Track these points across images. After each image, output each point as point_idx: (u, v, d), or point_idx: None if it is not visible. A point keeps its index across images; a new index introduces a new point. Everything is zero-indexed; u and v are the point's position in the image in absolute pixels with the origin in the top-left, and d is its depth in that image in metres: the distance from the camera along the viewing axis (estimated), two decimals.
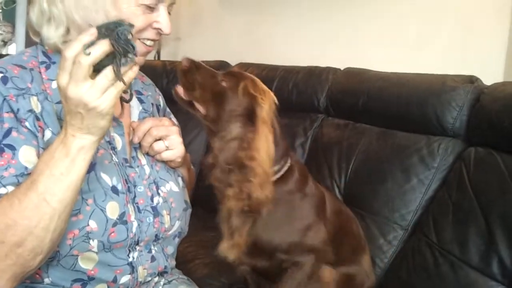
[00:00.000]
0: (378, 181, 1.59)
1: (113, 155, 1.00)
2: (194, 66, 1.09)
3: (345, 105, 1.87)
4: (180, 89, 1.10)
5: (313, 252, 1.13)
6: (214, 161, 1.05)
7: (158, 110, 1.21)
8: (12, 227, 0.79)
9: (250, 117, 1.05)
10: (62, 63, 0.76)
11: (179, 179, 1.13)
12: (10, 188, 0.85)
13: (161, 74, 2.49)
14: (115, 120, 1.01)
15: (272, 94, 1.11)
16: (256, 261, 1.14)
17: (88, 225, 0.91)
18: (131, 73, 0.77)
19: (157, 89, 1.25)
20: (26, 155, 0.88)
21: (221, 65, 2.44)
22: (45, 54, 0.98)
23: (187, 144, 1.27)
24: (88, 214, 0.91)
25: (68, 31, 0.95)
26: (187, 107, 1.11)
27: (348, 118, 1.86)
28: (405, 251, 1.46)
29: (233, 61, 2.47)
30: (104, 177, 0.96)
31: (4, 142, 0.87)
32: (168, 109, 1.27)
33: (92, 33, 0.75)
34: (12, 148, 0.87)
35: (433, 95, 1.57)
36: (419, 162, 1.55)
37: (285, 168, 1.13)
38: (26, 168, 0.87)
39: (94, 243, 0.91)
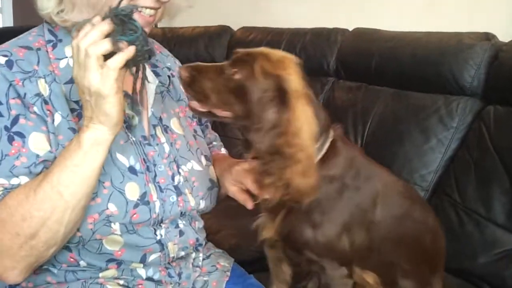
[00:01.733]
0: (396, 143, 1.59)
1: (129, 134, 0.96)
2: (195, 72, 0.96)
3: (357, 67, 1.85)
4: (194, 103, 0.96)
5: (345, 259, 0.99)
6: (256, 154, 0.94)
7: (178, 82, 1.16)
8: (28, 219, 0.79)
9: (282, 97, 0.91)
10: (74, 54, 0.77)
11: (202, 158, 1.09)
12: (23, 178, 0.83)
13: (162, 42, 2.43)
14: (129, 96, 0.95)
15: (292, 58, 0.99)
16: (286, 250, 1.06)
17: (107, 208, 0.89)
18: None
19: (176, 60, 1.19)
20: (36, 142, 0.86)
21: (223, 30, 2.39)
22: (51, 32, 0.94)
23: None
24: (107, 197, 0.89)
25: (61, 1, 0.90)
26: (209, 117, 1.00)
27: (360, 80, 1.85)
28: None
29: (235, 25, 2.41)
30: (120, 158, 0.93)
31: (13, 130, 0.84)
32: None
33: (108, 23, 0.74)
34: (21, 135, 0.85)
35: (449, 54, 1.55)
36: (437, 122, 1.55)
37: (326, 145, 0.96)
38: (37, 155, 0.85)
39: (116, 226, 0.90)
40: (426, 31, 1.70)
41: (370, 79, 1.80)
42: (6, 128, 0.84)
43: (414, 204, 1.04)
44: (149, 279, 0.98)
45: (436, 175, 1.52)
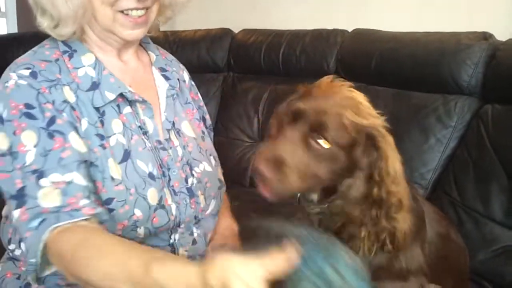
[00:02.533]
0: (396, 142, 1.59)
1: (146, 140, 0.98)
2: (274, 161, 0.78)
3: (357, 67, 1.87)
4: (267, 191, 0.79)
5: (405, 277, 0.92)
6: (342, 199, 0.85)
7: (184, 85, 1.17)
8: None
9: (373, 145, 0.84)
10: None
11: (211, 158, 1.11)
12: (76, 176, 0.84)
13: (164, 45, 2.45)
14: (144, 103, 1.00)
15: (362, 97, 0.90)
16: None
17: (134, 214, 0.91)
18: None
19: (181, 64, 1.22)
20: (75, 141, 0.87)
21: (224, 33, 2.41)
22: (64, 43, 0.96)
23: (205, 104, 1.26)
24: (133, 204, 0.92)
25: (51, 16, 0.92)
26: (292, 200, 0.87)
27: (360, 81, 1.85)
28: None
29: (235, 27, 2.43)
30: (141, 164, 0.95)
31: (51, 128, 0.86)
32: (193, 83, 1.23)
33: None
34: (61, 133, 0.86)
35: (448, 54, 1.57)
36: (436, 122, 1.56)
37: None
38: (79, 152, 0.87)
39: (141, 231, 0.92)
40: (425, 31, 1.72)
41: (370, 79, 1.81)
42: (43, 128, 0.86)
43: (448, 223, 1.05)
44: None
45: (435, 173, 1.54)
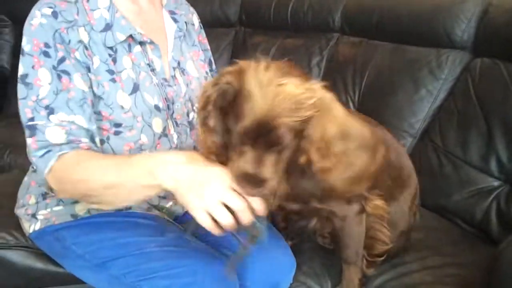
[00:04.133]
0: (389, 93, 1.70)
1: (153, 77, 1.10)
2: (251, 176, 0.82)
3: (359, 23, 1.94)
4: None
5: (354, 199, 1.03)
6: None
7: (193, 29, 1.28)
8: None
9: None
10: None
11: None
12: (79, 118, 0.98)
13: None
14: (152, 43, 1.11)
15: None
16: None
17: (140, 139, 1.06)
18: None
19: (191, 8, 1.31)
20: (78, 81, 1.00)
21: None
22: None
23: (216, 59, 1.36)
24: (140, 130, 1.06)
25: None
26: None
27: (362, 36, 1.94)
28: (414, 156, 1.59)
29: None
30: (147, 97, 1.08)
31: (60, 68, 0.99)
32: (203, 30, 1.33)
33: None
34: (67, 73, 0.99)
35: (442, 9, 1.63)
36: (428, 74, 1.64)
37: None
38: (83, 91, 1.00)
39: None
40: None
41: (371, 34, 1.89)
42: (54, 67, 0.99)
43: (381, 127, 1.18)
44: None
45: (424, 123, 1.63)
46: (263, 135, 0.78)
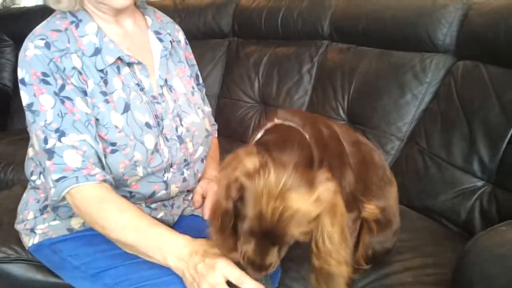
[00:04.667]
0: (376, 98, 1.75)
1: (142, 95, 1.15)
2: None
3: (347, 29, 1.99)
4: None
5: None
6: None
7: (178, 46, 1.33)
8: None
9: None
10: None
11: (199, 111, 1.28)
12: (87, 137, 1.05)
13: (172, 12, 2.59)
14: (140, 64, 1.17)
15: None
16: None
17: (134, 156, 1.11)
18: None
19: (176, 26, 1.36)
20: (81, 104, 1.07)
21: (229, 0, 2.54)
22: (71, 13, 1.13)
23: (204, 78, 1.39)
24: (133, 147, 1.11)
25: None
26: None
27: (351, 42, 1.98)
28: (401, 159, 1.64)
29: None
30: (138, 115, 1.13)
31: (62, 95, 1.06)
32: (188, 46, 1.38)
33: None
34: (70, 99, 1.06)
35: (425, 14, 1.68)
36: (413, 78, 1.69)
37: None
38: (86, 113, 1.07)
39: (140, 170, 1.12)
40: None
41: (359, 40, 1.94)
42: (55, 93, 1.05)
43: (353, 130, 1.23)
44: (148, 206, 1.20)
45: (411, 126, 1.67)
46: (269, 237, 0.82)
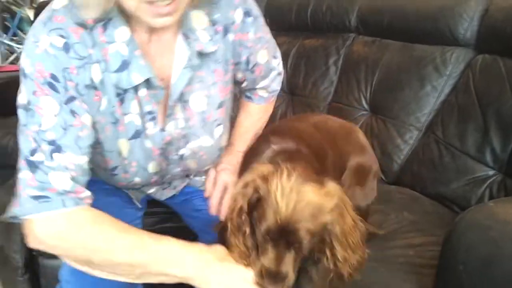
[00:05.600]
0: (397, 89, 1.81)
1: (154, 125, 1.02)
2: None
3: (372, 23, 2.05)
4: None
5: None
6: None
7: (228, 31, 1.04)
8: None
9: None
10: None
11: (216, 130, 1.11)
12: (85, 158, 0.91)
13: None
14: (162, 89, 0.98)
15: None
16: None
17: (133, 180, 1.09)
18: None
19: (235, 1, 1.04)
20: (88, 120, 0.92)
21: None
22: None
23: None
24: (134, 174, 1.06)
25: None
26: None
27: (376, 35, 2.05)
28: (418, 148, 1.71)
29: None
30: (147, 143, 1.03)
31: (70, 107, 0.89)
32: (251, 22, 1.07)
33: None
34: (77, 113, 0.90)
35: (446, 8, 1.73)
36: (433, 71, 1.74)
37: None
38: (91, 133, 0.94)
39: (138, 182, 1.12)
40: None
41: (383, 33, 2.00)
42: (64, 102, 0.88)
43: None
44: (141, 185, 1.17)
45: (429, 117, 1.73)
46: (285, 236, 0.85)
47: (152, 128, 1.01)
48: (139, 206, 1.25)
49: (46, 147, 0.86)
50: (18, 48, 4.78)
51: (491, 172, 1.45)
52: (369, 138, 1.84)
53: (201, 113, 1.06)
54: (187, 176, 1.26)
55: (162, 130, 1.03)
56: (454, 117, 1.60)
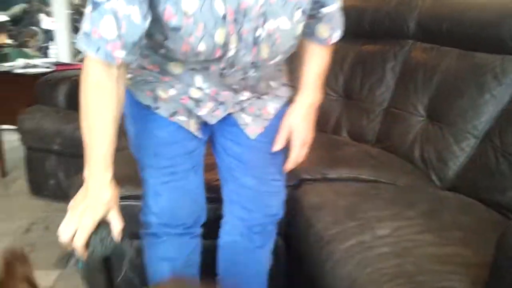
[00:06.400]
0: (455, 97, 1.83)
1: None
2: None
3: (431, 30, 2.07)
4: None
5: None
6: None
7: None
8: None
9: None
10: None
11: (296, 13, 1.05)
12: (135, 9, 0.93)
13: None
14: None
15: None
16: None
17: (198, 46, 1.00)
18: None
19: None
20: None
21: None
22: None
23: None
24: (199, 38, 0.98)
25: None
26: None
27: (434, 42, 2.07)
28: (475, 156, 1.73)
29: None
30: (217, 4, 0.96)
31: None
32: None
33: None
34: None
35: (507, 16, 1.73)
36: (492, 79, 1.75)
37: None
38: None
39: (201, 56, 1.04)
40: None
41: (442, 41, 2.02)
42: None
43: None
44: (199, 88, 1.16)
45: (487, 125, 1.74)
46: None
47: None
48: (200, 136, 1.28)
49: None
50: None
51: None
52: (424, 144, 1.88)
53: None
54: (244, 92, 1.22)
55: None
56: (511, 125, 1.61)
